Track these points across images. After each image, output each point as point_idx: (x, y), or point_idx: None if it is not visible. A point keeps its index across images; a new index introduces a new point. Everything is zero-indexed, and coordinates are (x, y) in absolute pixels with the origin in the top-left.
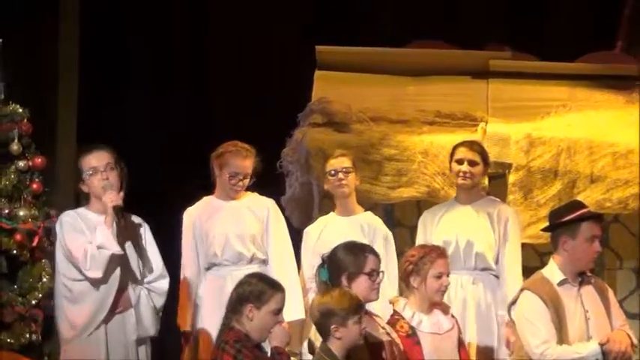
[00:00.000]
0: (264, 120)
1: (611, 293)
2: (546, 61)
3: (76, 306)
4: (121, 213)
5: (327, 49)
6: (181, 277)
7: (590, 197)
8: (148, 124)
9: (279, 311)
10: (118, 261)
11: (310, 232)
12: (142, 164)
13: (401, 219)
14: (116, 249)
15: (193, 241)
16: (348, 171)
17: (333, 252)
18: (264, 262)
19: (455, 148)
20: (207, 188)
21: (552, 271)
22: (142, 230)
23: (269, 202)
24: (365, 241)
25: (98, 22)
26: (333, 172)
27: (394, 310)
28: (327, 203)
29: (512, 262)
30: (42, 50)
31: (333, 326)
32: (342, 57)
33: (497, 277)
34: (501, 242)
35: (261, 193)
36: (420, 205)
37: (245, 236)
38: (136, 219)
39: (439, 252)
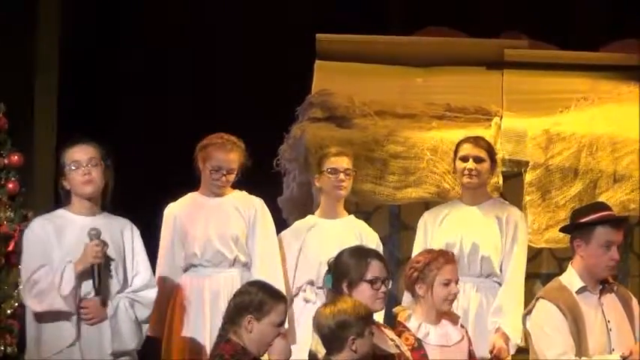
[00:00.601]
0: (259, 114)
1: (635, 302)
2: (566, 50)
3: (39, 331)
4: (99, 270)
5: (328, 37)
6: (157, 276)
7: (613, 198)
8: (134, 119)
9: (280, 323)
10: (68, 316)
11: (287, 237)
12: (127, 163)
13: (408, 222)
14: (69, 308)
15: (171, 238)
16: (348, 172)
17: (338, 256)
18: (247, 265)
19: (459, 144)
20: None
21: (571, 277)
22: (129, 235)
23: (257, 202)
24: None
25: (79, 14)
26: (331, 170)
27: (398, 321)
28: None
29: (517, 270)
30: (19, 40)
31: (351, 337)
32: (344, 46)
33: (500, 284)
34: (508, 248)
35: (257, 194)
36: (428, 207)
37: (227, 236)
38: (125, 223)
39: (447, 257)
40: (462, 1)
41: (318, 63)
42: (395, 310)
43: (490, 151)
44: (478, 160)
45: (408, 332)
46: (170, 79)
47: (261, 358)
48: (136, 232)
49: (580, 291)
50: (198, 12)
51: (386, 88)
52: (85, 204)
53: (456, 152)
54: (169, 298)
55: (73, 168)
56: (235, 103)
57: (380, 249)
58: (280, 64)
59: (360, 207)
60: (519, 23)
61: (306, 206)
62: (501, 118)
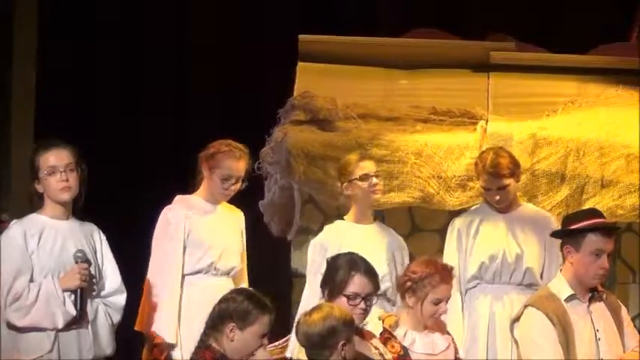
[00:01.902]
0: (240, 117)
1: (624, 310)
2: (554, 52)
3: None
4: (82, 294)
5: (310, 39)
6: (161, 281)
7: (600, 204)
8: (116, 121)
9: (264, 335)
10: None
11: (321, 244)
12: (106, 168)
13: (391, 226)
14: (54, 325)
15: (182, 241)
16: (378, 175)
17: (332, 260)
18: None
19: (479, 172)
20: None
21: (560, 285)
22: (98, 240)
23: (242, 215)
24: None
25: (58, 5)
26: (363, 176)
27: (384, 328)
28: (309, 209)
29: None
30: None
31: (341, 343)
32: (327, 47)
33: None
34: (547, 256)
35: (239, 197)
36: (412, 212)
37: (237, 247)
38: (92, 227)
39: (443, 275)
40: (447, 3)
41: (300, 65)
42: (380, 316)
43: (513, 168)
44: (502, 188)
45: (394, 340)
46: (158, 75)
47: None
48: (103, 237)
49: (569, 299)
50: (175, 11)
51: (369, 91)
52: (60, 208)
53: (478, 175)
54: (173, 303)
55: (49, 173)
56: (218, 105)
57: (406, 253)
58: (263, 66)
59: (342, 212)
60: (506, 25)
61: (287, 211)
62: (487, 121)
